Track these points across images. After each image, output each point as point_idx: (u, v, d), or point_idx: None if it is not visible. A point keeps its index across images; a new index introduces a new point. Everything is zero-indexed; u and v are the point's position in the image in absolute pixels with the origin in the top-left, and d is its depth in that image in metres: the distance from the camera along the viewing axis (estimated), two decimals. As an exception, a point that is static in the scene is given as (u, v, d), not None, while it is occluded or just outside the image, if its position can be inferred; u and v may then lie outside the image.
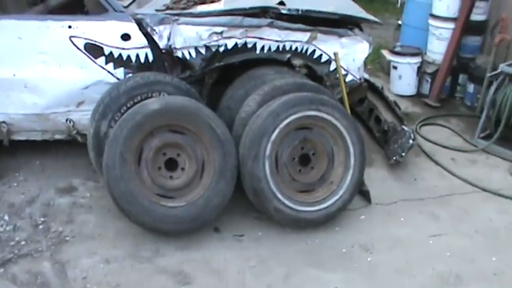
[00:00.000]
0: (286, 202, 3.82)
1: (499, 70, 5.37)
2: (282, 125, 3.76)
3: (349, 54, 4.52)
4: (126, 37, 4.18)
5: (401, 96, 6.55)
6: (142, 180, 3.72)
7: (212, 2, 4.52)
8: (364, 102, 5.46)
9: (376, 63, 7.43)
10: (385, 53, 7.08)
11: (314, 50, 4.47)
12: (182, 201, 3.77)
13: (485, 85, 5.85)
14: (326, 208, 3.95)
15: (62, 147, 4.80)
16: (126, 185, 3.59)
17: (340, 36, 4.50)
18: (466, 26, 6.12)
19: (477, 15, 6.17)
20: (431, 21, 6.39)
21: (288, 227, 3.98)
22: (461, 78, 6.42)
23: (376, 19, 4.71)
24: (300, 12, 4.43)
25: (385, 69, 7.06)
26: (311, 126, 3.93)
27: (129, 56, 4.20)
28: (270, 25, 4.31)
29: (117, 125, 3.72)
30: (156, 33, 4.17)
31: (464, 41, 6.28)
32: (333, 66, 4.51)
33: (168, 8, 4.35)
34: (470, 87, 6.22)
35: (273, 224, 3.99)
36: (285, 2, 4.65)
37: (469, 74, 6.25)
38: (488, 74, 5.51)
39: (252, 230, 3.99)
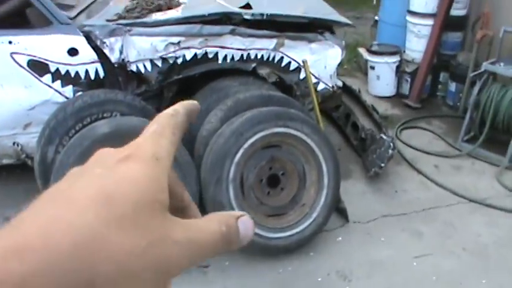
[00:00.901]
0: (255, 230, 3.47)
1: (482, 69, 5.05)
2: (246, 145, 3.41)
3: (320, 60, 4.16)
4: (73, 52, 3.79)
5: (380, 97, 6.22)
6: (93, 212, 3.35)
7: (169, 8, 4.15)
8: (340, 107, 5.12)
9: (352, 62, 7.07)
10: (362, 51, 6.74)
11: (282, 58, 4.10)
12: (139, 233, 3.41)
13: (468, 84, 5.54)
14: (299, 233, 3.61)
15: (13, 171, 4.41)
16: (74, 219, 3.22)
17: (310, 41, 4.14)
18: (446, 22, 5.79)
19: (457, 10, 5.84)
20: (409, 18, 6.05)
21: (257, 255, 3.63)
22: (443, 76, 6.10)
23: (348, 21, 4.35)
24: (265, 17, 4.06)
25: (363, 68, 6.71)
26: (279, 143, 3.58)
27: (77, 73, 3.81)
28: (232, 32, 3.93)
29: (63, 151, 3.36)
30: (107, 46, 3.78)
31: (444, 38, 5.96)
32: (303, 75, 4.14)
33: (120, 17, 3.96)
34: (452, 86, 5.90)
35: (241, 252, 3.64)
36: (251, 6, 4.32)
37: (451, 72, 5.92)
38: (471, 74, 5.18)
39: (218, 259, 3.63)
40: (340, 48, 4.17)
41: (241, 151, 3.40)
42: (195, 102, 0.55)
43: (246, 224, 0.49)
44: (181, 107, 0.53)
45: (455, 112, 5.84)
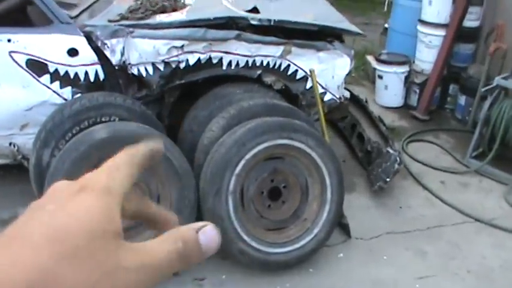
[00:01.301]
0: (253, 244, 3.36)
1: (494, 83, 4.91)
2: (248, 156, 3.28)
3: (327, 70, 4.02)
4: (73, 52, 3.67)
5: (388, 107, 6.09)
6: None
7: (174, 10, 4.03)
8: (347, 117, 5.00)
9: (360, 70, 6.93)
10: (370, 59, 6.61)
11: (288, 66, 3.97)
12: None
13: (478, 98, 5.41)
14: (299, 249, 3.48)
15: (10, 171, 4.29)
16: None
17: (318, 50, 4.00)
18: (458, 33, 5.65)
19: (470, 21, 5.70)
20: (420, 28, 5.91)
21: (256, 270, 3.51)
22: (452, 88, 5.96)
23: (359, 30, 4.21)
24: (272, 23, 3.93)
25: (371, 77, 6.57)
26: (282, 155, 3.45)
27: (77, 74, 3.70)
28: (238, 38, 3.80)
29: (58, 156, 3.24)
30: (108, 47, 3.66)
31: (455, 49, 5.82)
32: (309, 84, 4.02)
33: (123, 18, 3.84)
34: (462, 99, 5.76)
35: (239, 265, 3.51)
36: (258, 10, 4.20)
37: (461, 85, 5.78)
38: (483, 89, 5.03)
39: (215, 272, 3.52)
40: (349, 58, 4.04)
41: (242, 162, 3.28)
42: (160, 146, 0.55)
43: (208, 235, 0.49)
44: (143, 149, 0.53)
45: (464, 126, 5.70)
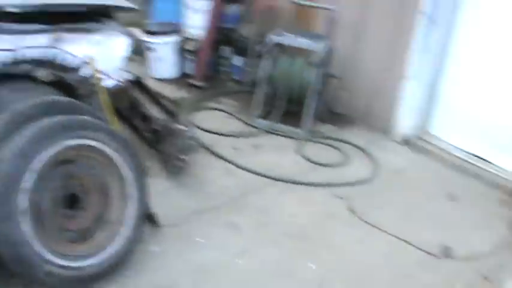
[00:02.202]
0: (60, 262, 2.93)
1: (269, 41, 4.91)
2: (34, 167, 2.84)
3: (105, 53, 3.66)
4: None
5: (165, 80, 5.86)
6: None
7: None
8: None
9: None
10: (135, 31, 6.27)
11: (60, 55, 3.52)
12: None
13: (254, 57, 5.43)
14: (112, 255, 3.14)
15: None
16: None
17: (91, 32, 3.60)
18: (225, -6, 5.59)
19: (233, -19, 5.67)
20: (184, -7, 5.74)
21: None
22: (226, 51, 5.92)
23: (132, 5, 3.89)
24: (36, 9, 3.43)
25: (139, 50, 6.23)
26: (73, 158, 3.06)
27: None
28: (-4, 30, 3.27)
29: None
30: None
31: (224, 11, 5.73)
32: (86, 71, 3.62)
33: None
34: (236, 60, 5.75)
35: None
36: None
37: (234, 46, 5.76)
38: (259, 48, 5.02)
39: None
40: (127, 38, 3.72)
41: (28, 174, 2.83)
42: None
43: None
44: None
45: (243, 87, 5.71)
